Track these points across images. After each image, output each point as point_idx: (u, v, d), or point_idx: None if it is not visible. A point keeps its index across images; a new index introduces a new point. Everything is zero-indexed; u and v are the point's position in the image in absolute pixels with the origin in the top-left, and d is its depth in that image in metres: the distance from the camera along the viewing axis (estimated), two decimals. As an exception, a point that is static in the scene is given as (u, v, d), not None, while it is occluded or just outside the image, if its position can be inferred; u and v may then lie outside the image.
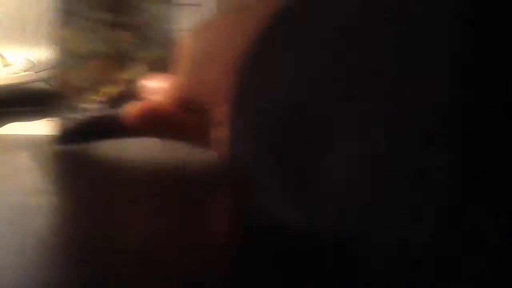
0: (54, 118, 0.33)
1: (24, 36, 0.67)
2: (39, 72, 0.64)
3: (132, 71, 0.34)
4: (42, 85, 0.65)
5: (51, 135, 0.32)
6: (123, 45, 0.34)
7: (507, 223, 0.12)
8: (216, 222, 0.19)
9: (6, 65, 0.64)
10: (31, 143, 0.36)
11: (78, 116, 0.33)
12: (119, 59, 0.33)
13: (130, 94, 0.32)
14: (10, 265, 0.14)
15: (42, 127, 0.44)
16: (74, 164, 0.31)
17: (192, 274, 0.14)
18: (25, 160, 0.31)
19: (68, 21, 0.34)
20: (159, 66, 0.32)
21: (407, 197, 0.13)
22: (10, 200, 0.22)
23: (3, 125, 0.44)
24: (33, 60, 0.65)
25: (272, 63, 0.20)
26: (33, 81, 0.64)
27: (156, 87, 0.31)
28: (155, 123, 0.30)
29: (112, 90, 0.33)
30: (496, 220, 0.12)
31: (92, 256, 0.15)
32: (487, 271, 0.12)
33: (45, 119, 0.50)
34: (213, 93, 0.27)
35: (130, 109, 0.30)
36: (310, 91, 0.17)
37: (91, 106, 0.33)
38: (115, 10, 0.33)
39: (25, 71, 0.63)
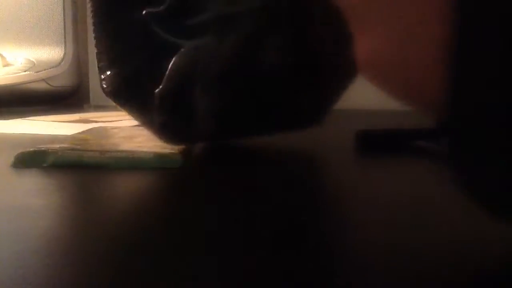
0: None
1: (24, 36, 0.67)
2: (39, 72, 0.64)
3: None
4: (42, 84, 0.65)
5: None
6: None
7: None
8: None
9: (6, 65, 0.64)
10: (33, 142, 0.36)
11: None
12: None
13: None
14: (8, 264, 0.14)
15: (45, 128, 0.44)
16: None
17: (187, 274, 0.14)
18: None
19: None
20: None
21: None
22: (10, 200, 0.21)
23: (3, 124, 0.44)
24: (33, 60, 0.65)
25: None
26: (33, 81, 0.64)
27: None
28: None
29: None
30: None
31: (87, 256, 0.15)
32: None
33: (45, 118, 0.50)
34: None
35: None
36: None
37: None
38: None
39: (25, 71, 0.63)
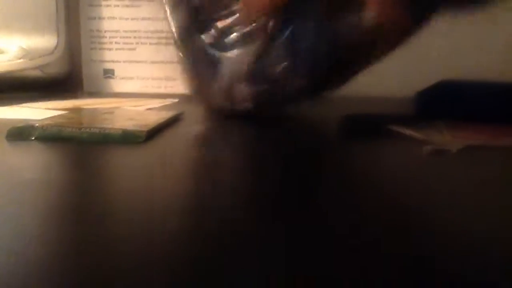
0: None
1: (18, 24, 0.67)
2: (33, 59, 0.65)
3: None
4: (36, 72, 0.66)
5: None
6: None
7: None
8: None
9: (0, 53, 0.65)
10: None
11: None
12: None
13: None
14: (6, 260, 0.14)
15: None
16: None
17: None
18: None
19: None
20: None
21: None
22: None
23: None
24: (27, 47, 0.66)
25: None
26: (27, 69, 0.65)
27: None
28: None
29: None
30: None
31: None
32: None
33: (38, 106, 0.51)
34: None
35: None
36: None
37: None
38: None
39: (19, 59, 0.64)
